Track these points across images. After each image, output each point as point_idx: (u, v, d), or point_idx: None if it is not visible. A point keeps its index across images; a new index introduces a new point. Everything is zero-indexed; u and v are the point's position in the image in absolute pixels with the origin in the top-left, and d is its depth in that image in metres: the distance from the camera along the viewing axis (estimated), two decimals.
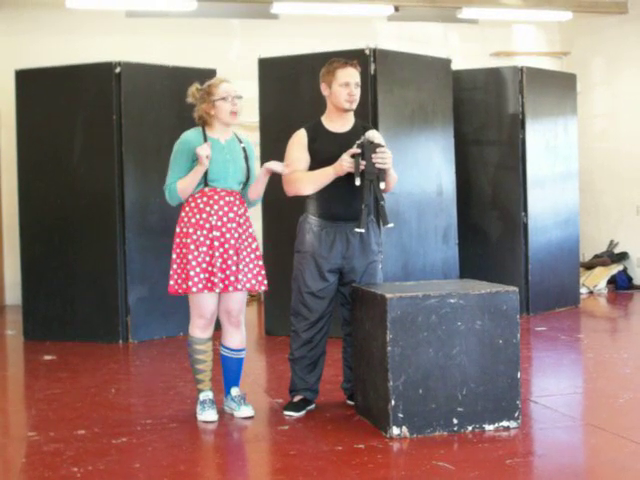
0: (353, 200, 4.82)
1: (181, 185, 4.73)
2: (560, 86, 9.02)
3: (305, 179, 4.85)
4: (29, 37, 10.19)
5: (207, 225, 4.71)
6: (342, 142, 4.83)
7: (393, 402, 4.35)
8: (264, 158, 6.63)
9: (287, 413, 4.91)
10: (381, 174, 4.74)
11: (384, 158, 4.71)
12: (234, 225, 4.74)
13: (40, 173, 7.72)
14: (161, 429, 4.67)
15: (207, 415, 4.79)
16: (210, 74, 7.76)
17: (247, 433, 4.70)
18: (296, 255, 4.99)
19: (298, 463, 4.08)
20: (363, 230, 4.81)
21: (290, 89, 7.55)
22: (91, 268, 7.56)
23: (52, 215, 7.69)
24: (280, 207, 6.95)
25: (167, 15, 10.48)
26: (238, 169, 4.79)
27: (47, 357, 6.94)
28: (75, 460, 4.15)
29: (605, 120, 11.24)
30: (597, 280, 10.39)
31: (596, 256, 10.88)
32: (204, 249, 4.70)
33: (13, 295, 9.68)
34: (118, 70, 7.49)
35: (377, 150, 4.70)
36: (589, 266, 10.67)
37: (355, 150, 4.70)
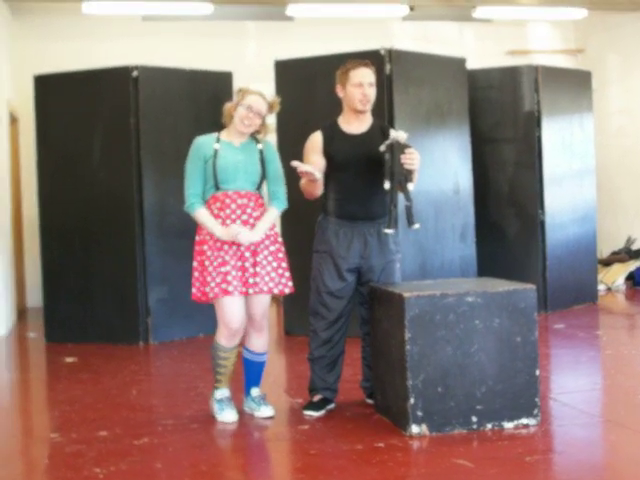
0: (370, 200, 4.84)
1: (198, 217, 4.76)
2: (575, 83, 9.00)
3: (304, 187, 4.90)
4: (47, 43, 10.27)
5: None
6: (358, 143, 4.85)
7: (412, 400, 4.38)
8: (281, 160, 6.65)
9: (307, 412, 4.94)
10: (409, 175, 4.74)
11: (412, 159, 4.71)
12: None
13: (59, 177, 7.78)
14: (182, 429, 4.71)
15: (226, 415, 4.82)
16: (226, 77, 7.88)
17: (267, 433, 4.73)
18: (315, 255, 5.02)
19: (318, 462, 4.11)
20: (393, 231, 4.81)
21: (306, 91, 7.57)
22: (111, 270, 7.62)
23: (72, 218, 7.75)
24: (298, 207, 6.95)
25: (183, 19, 10.54)
26: (251, 170, 4.80)
27: (69, 359, 6.99)
28: (97, 461, 4.19)
29: (621, 117, 11.21)
30: (615, 277, 10.36)
31: (614, 253, 10.85)
32: (221, 253, 4.73)
33: (34, 298, 9.75)
34: (135, 74, 7.54)
35: (405, 151, 4.70)
36: (607, 263, 10.64)
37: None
